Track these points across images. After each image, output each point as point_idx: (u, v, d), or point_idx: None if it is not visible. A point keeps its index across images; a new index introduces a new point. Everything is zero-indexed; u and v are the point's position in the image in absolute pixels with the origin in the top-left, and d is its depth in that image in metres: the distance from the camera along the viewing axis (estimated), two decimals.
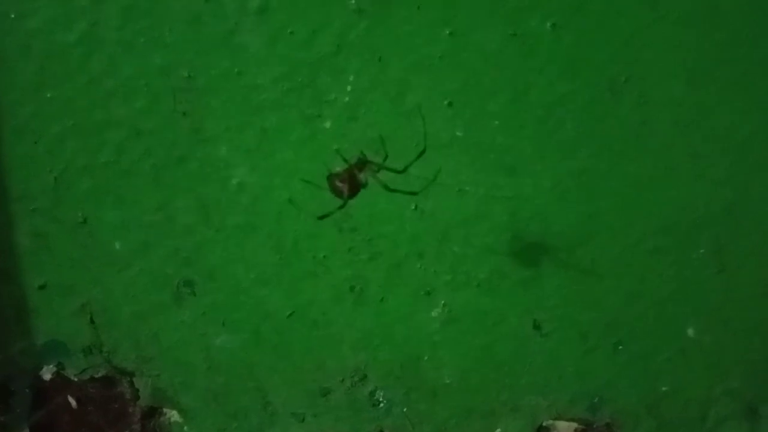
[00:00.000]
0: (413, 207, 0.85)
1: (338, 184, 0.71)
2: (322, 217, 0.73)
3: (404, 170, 0.72)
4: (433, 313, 0.88)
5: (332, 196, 0.72)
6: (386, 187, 0.73)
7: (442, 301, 0.88)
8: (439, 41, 0.81)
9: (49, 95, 0.81)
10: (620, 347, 0.90)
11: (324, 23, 0.80)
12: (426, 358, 0.89)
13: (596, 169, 0.85)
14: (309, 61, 0.81)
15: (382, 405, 0.90)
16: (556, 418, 0.92)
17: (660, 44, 0.83)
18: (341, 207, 0.72)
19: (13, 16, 0.79)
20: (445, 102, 0.83)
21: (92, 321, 0.86)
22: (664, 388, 0.92)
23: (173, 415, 0.89)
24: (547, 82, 0.83)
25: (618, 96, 0.83)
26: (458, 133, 0.84)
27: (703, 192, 0.86)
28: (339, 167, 0.72)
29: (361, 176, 0.71)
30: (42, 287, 0.85)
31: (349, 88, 0.82)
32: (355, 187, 0.71)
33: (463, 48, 0.82)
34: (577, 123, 0.84)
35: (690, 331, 0.90)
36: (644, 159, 0.85)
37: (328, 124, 0.83)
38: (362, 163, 0.71)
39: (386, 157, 0.73)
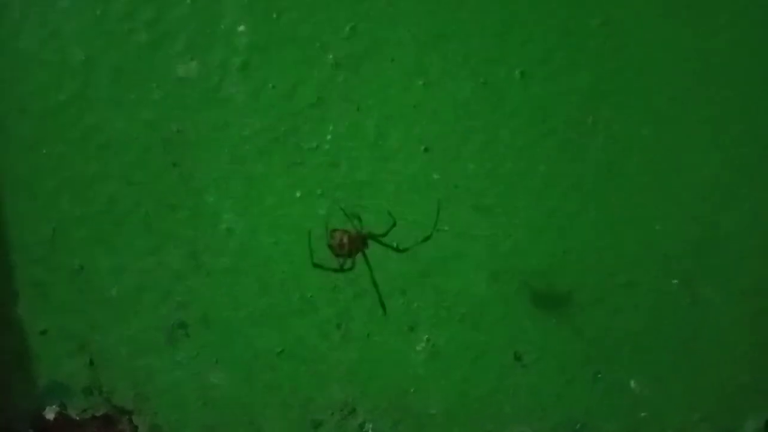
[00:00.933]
0: (395, 245, 0.88)
1: (343, 240, 0.75)
2: (317, 266, 0.77)
3: (405, 250, 0.80)
4: (418, 348, 0.92)
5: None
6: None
7: (426, 336, 0.91)
8: (413, 91, 0.86)
9: (44, 151, 0.85)
10: (599, 376, 0.93)
11: (304, 77, 0.85)
12: (412, 390, 0.92)
13: (567, 207, 0.89)
14: (291, 112, 0.85)
15: None
16: None
17: (625, 88, 0.87)
18: (341, 268, 0.76)
19: (9, 80, 0.83)
20: (422, 147, 0.87)
21: (91, 363, 0.90)
22: (642, 414, 0.94)
23: None
24: (518, 127, 0.86)
25: (585, 137, 0.87)
26: (435, 176, 0.87)
27: (672, 228, 0.89)
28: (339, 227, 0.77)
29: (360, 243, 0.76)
30: (43, 332, 0.89)
31: (329, 136, 0.86)
32: (355, 248, 0.76)
33: (436, 97, 0.86)
34: (547, 164, 0.87)
35: (665, 360, 0.93)
36: (613, 197, 0.88)
37: (311, 170, 0.87)
38: (363, 237, 0.76)
39: (394, 224, 0.78)
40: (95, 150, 0.85)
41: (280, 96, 0.85)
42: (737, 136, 0.88)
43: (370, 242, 0.79)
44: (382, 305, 0.80)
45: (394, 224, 0.80)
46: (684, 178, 0.89)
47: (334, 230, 0.76)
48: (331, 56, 0.84)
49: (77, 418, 0.91)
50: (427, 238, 0.79)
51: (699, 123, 0.88)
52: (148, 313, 0.89)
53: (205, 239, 0.88)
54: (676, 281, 0.91)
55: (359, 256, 0.79)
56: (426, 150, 0.87)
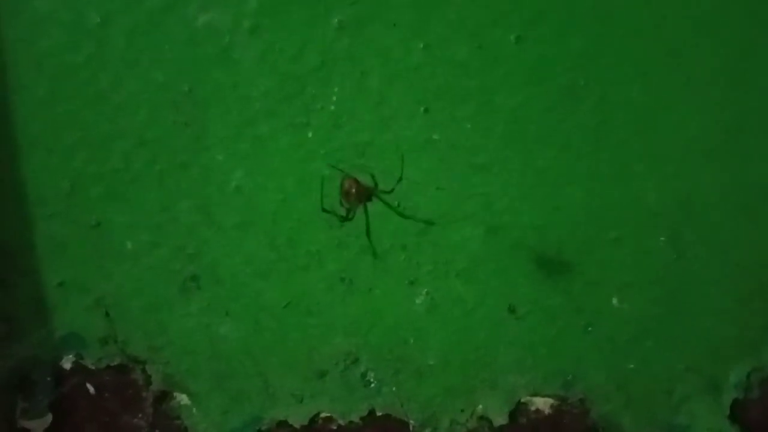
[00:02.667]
0: (396, 204, 0.93)
1: (351, 189, 0.80)
2: (325, 211, 0.84)
3: (392, 191, 0.84)
4: (417, 301, 0.96)
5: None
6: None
7: (425, 290, 0.96)
8: (413, 54, 0.90)
9: (60, 110, 0.89)
10: (589, 329, 0.97)
11: (310, 40, 0.89)
12: (412, 341, 0.97)
13: (558, 165, 0.93)
14: (297, 74, 0.89)
15: (373, 385, 0.97)
16: (533, 395, 0.99)
17: (614, 52, 0.91)
18: (349, 216, 0.82)
19: (26, 39, 0.87)
20: (422, 108, 0.91)
21: (107, 314, 0.94)
22: (631, 366, 0.98)
23: (183, 399, 0.96)
24: (512, 89, 0.91)
25: (577, 99, 0.91)
26: (434, 136, 0.92)
27: (657, 185, 0.93)
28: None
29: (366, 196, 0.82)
30: (60, 285, 0.93)
31: (334, 98, 0.90)
32: (364, 197, 0.81)
33: (435, 59, 0.90)
34: (540, 125, 0.92)
35: (651, 313, 0.97)
36: (602, 156, 0.93)
37: (314, 132, 0.91)
38: (370, 191, 0.82)
39: (400, 179, 0.84)
40: (110, 109, 0.89)
41: (287, 58, 0.89)
42: (721, 98, 0.92)
43: (374, 199, 0.84)
44: (374, 252, 0.84)
45: (401, 179, 0.84)
46: (670, 138, 0.93)
47: (348, 177, 0.81)
48: (336, 20, 0.88)
49: (93, 368, 0.95)
50: (399, 180, 0.84)
51: (685, 85, 0.92)
52: (161, 267, 0.93)
53: (215, 196, 0.92)
54: (663, 238, 0.95)
55: (361, 210, 0.84)
56: (426, 111, 0.91)
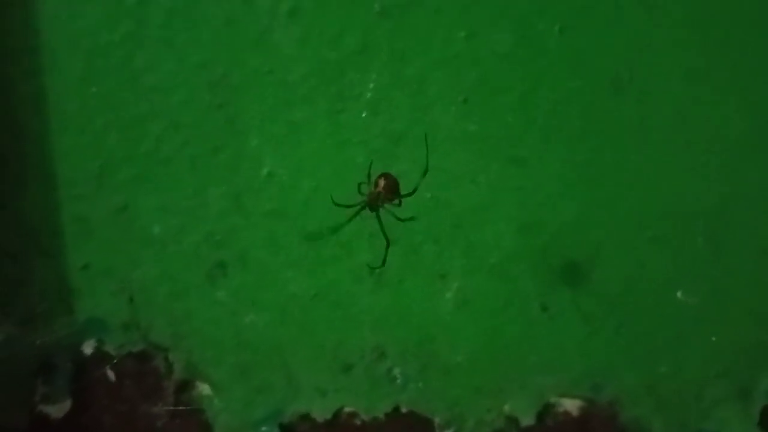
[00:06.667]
0: (428, 196, 0.91)
1: (380, 184, 0.78)
2: (338, 205, 0.81)
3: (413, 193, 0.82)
4: (447, 296, 0.94)
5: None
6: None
7: (456, 285, 0.94)
8: (455, 42, 0.88)
9: (93, 90, 0.87)
10: (622, 330, 0.95)
11: (350, 24, 0.87)
12: (440, 337, 0.95)
13: (599, 161, 0.91)
14: (335, 59, 0.88)
15: (398, 381, 0.95)
16: (561, 396, 0.97)
17: (659, 46, 0.90)
18: (362, 207, 0.80)
19: (61, 18, 0.85)
20: (461, 98, 0.89)
21: (131, 300, 0.92)
22: (662, 370, 0.96)
23: (204, 389, 0.94)
24: (555, 81, 0.89)
25: (620, 93, 0.89)
26: (472, 128, 0.90)
27: (698, 184, 0.92)
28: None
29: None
30: (84, 268, 0.91)
31: (371, 85, 0.88)
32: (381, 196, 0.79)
33: (477, 48, 0.88)
34: (582, 118, 0.90)
35: (685, 315, 0.95)
36: (644, 152, 0.91)
37: (350, 119, 0.89)
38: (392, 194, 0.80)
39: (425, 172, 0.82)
40: (144, 90, 0.87)
41: (326, 43, 0.87)
42: (765, 97, 0.91)
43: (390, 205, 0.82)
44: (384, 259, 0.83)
45: (426, 172, 0.82)
46: (712, 135, 0.91)
47: (386, 173, 0.79)
48: (377, 5, 0.86)
49: (114, 354, 0.93)
50: (425, 173, 0.81)
51: (727, 82, 0.91)
52: (189, 253, 0.91)
53: (247, 182, 0.90)
54: (700, 239, 0.93)
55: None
56: (465, 101, 0.89)
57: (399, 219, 0.82)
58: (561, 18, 0.88)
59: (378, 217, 0.82)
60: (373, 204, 0.80)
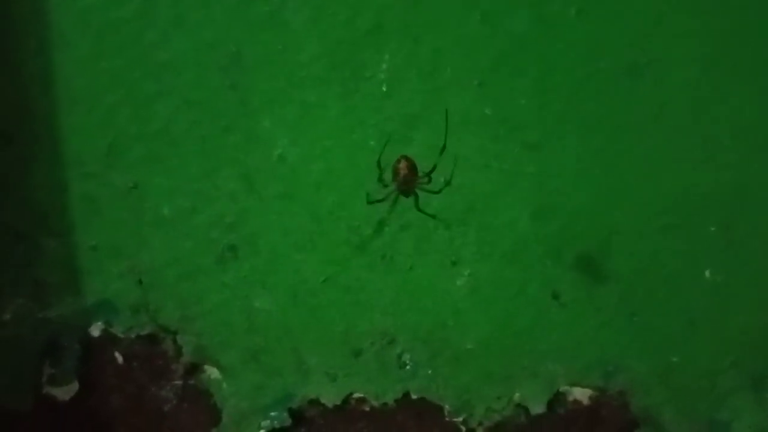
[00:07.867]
0: (441, 180, 0.90)
1: (400, 171, 0.77)
2: (371, 203, 0.80)
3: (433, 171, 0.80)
4: (458, 282, 0.93)
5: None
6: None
7: (467, 271, 0.93)
8: (470, 24, 0.87)
9: (103, 66, 0.86)
10: (634, 318, 0.94)
11: (363, 4, 0.86)
12: (450, 324, 0.94)
13: (614, 147, 0.90)
14: (348, 39, 0.87)
15: (408, 367, 0.95)
16: (572, 385, 0.96)
17: (677, 31, 0.88)
18: (396, 196, 0.79)
19: None
20: (475, 82, 0.88)
21: (140, 282, 0.91)
22: (674, 359, 0.96)
23: (213, 372, 0.93)
24: (571, 65, 0.88)
25: (637, 79, 0.88)
26: (487, 111, 0.89)
27: (713, 172, 0.91)
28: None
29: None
30: (93, 248, 0.90)
31: (384, 66, 0.87)
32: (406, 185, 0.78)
33: (492, 31, 0.87)
34: (597, 103, 0.89)
35: (698, 305, 0.94)
36: (659, 139, 0.90)
37: (363, 100, 0.88)
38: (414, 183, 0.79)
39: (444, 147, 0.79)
40: (154, 68, 0.86)
41: (340, 23, 0.86)
42: None
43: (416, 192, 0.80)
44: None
45: (444, 147, 0.80)
46: (729, 122, 0.90)
47: (405, 157, 0.77)
48: None
49: (122, 336, 0.92)
50: (443, 149, 0.79)
51: (744, 70, 0.90)
52: (199, 235, 0.90)
53: (258, 164, 0.89)
54: (713, 228, 0.92)
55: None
56: (479, 84, 0.88)
57: (435, 192, 0.81)
58: (577, 0, 0.87)
59: (415, 200, 0.80)
60: (405, 189, 0.79)
